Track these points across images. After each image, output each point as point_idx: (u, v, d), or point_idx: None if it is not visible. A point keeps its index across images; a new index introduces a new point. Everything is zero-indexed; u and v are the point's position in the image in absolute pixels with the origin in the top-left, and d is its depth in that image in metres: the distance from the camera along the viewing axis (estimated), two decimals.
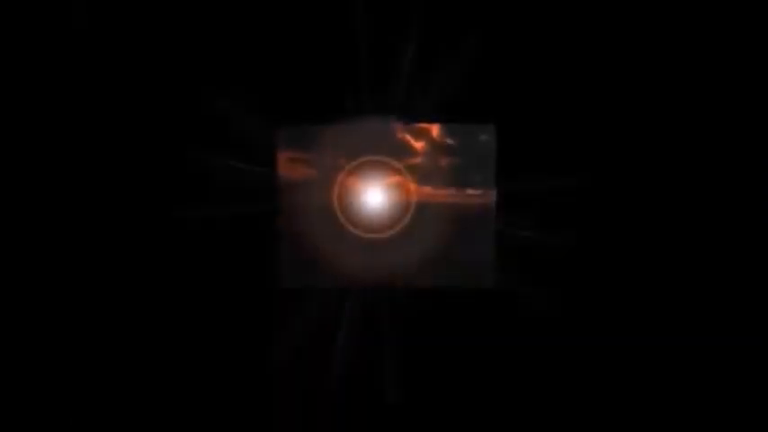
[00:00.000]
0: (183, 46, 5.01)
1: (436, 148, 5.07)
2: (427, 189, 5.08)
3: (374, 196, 5.09)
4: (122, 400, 4.96)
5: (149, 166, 5.00)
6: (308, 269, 5.02)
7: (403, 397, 5.01)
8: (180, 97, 4.99)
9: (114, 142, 5.00)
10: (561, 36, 5.05)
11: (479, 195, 5.04)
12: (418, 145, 5.08)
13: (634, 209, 5.07)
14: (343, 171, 5.07)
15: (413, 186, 5.08)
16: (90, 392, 4.95)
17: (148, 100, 5.00)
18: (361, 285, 5.01)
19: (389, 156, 5.09)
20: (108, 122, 5.00)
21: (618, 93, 5.09)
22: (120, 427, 4.94)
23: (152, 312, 4.98)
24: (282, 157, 5.05)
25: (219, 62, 5.02)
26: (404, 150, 5.11)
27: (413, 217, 5.07)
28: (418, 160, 5.08)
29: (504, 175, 5.03)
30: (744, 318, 5.05)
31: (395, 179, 5.10)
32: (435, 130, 5.08)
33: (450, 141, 5.07)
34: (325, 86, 5.02)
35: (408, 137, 5.08)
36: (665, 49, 5.08)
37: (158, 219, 4.98)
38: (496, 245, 5.01)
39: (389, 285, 5.02)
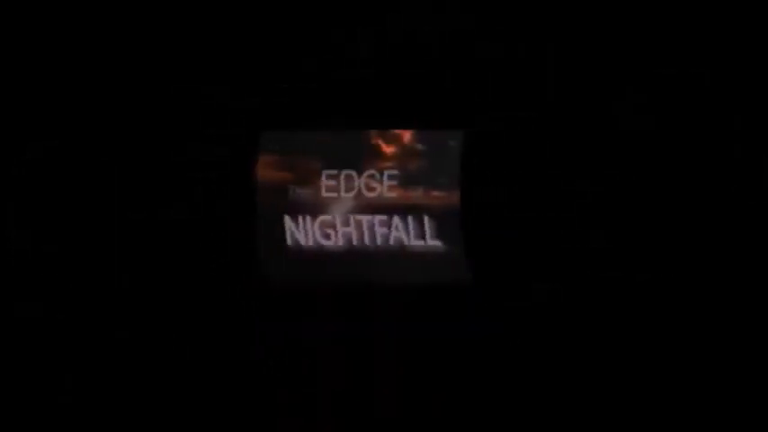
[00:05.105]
0: (184, 46, 5.08)
1: (407, 153, 5.07)
2: (397, 192, 5.09)
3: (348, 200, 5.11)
4: (113, 398, 5.04)
5: (131, 168, 5.10)
6: (291, 268, 5.10)
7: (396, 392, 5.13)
8: (166, 99, 5.06)
9: (104, 144, 5.11)
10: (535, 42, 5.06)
11: (446, 197, 5.04)
12: (389, 150, 5.08)
13: (648, 208, 5.05)
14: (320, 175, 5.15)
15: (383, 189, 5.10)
16: (81, 391, 5.02)
17: (134, 101, 5.11)
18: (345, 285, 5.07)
19: (364, 161, 5.16)
20: (96, 123, 5.10)
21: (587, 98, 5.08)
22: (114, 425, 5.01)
23: (140, 313, 5.06)
24: (263, 160, 5.08)
25: (206, 64, 5.10)
26: (376, 156, 5.13)
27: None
28: (389, 165, 5.08)
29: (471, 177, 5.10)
30: (745, 318, 4.98)
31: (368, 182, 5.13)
32: (407, 136, 5.08)
33: (419, 147, 5.06)
34: (305, 92, 5.06)
35: (381, 143, 5.09)
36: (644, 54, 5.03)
37: (141, 220, 5.08)
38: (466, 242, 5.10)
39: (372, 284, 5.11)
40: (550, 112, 5.18)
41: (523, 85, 5.20)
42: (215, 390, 5.02)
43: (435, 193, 5.17)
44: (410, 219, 5.16)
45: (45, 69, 5.04)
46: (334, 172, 5.18)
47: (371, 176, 5.18)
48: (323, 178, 5.17)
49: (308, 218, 5.15)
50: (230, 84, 5.10)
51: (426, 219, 5.14)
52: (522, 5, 5.18)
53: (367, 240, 5.15)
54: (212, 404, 5.01)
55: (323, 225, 5.16)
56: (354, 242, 5.15)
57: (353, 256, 5.14)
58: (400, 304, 5.12)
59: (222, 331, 5.05)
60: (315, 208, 5.19)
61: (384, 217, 5.17)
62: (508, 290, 5.10)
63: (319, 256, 5.14)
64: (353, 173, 5.19)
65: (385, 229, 5.16)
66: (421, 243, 5.15)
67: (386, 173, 5.18)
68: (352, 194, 5.19)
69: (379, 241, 5.16)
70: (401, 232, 5.15)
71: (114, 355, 4.99)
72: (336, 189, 5.19)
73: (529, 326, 5.11)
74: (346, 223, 5.16)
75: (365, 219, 5.18)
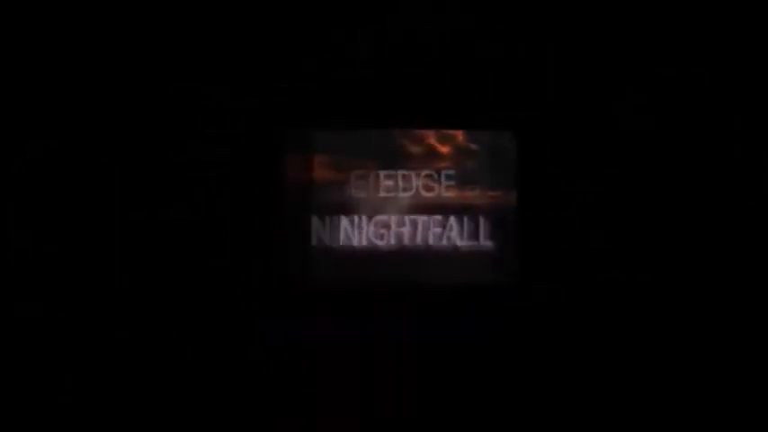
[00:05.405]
0: (184, 46, 5.07)
1: (460, 152, 5.09)
2: (455, 192, 5.16)
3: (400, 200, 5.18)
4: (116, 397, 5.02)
5: (131, 168, 5.09)
6: (340, 270, 5.12)
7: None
8: (166, 99, 5.05)
9: (104, 144, 5.09)
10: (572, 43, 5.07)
11: (500, 196, 5.05)
12: (444, 150, 5.10)
13: (648, 208, 5.05)
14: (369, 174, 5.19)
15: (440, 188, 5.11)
16: (81, 391, 5.00)
17: (134, 101, 5.09)
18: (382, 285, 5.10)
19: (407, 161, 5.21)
20: (96, 123, 5.08)
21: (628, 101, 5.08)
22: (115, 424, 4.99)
23: (150, 314, 5.05)
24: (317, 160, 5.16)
25: (206, 64, 5.09)
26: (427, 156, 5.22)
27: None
28: (443, 165, 5.16)
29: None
30: (744, 318, 4.98)
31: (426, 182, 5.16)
32: (459, 136, 5.10)
33: (473, 146, 5.08)
34: (305, 92, 5.07)
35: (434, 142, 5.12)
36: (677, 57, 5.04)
37: (141, 220, 5.07)
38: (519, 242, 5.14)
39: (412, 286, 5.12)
40: (550, 112, 5.19)
41: (523, 85, 5.20)
42: (215, 390, 5.01)
43: (491, 194, 5.21)
44: (465, 219, 5.19)
45: (45, 69, 5.03)
46: (391, 172, 5.21)
47: (429, 176, 5.21)
48: (381, 178, 5.21)
49: (364, 218, 5.19)
50: (230, 84, 5.11)
51: (482, 219, 5.17)
52: (522, 5, 5.19)
53: (419, 240, 5.18)
54: (212, 404, 5.00)
55: (378, 225, 5.19)
56: (406, 242, 5.18)
57: (403, 257, 5.17)
58: (400, 304, 5.12)
59: (222, 331, 5.04)
60: (371, 208, 5.23)
61: (440, 217, 5.20)
62: (508, 290, 5.11)
63: (372, 256, 5.17)
64: (411, 173, 5.22)
65: (439, 229, 5.18)
66: (474, 243, 5.18)
67: (443, 173, 5.21)
68: (409, 194, 5.22)
69: (431, 241, 5.19)
70: (454, 232, 5.18)
71: (114, 355, 4.98)
72: (394, 189, 5.22)
73: (529, 326, 5.12)
74: (401, 223, 5.19)
75: (420, 219, 5.21)
